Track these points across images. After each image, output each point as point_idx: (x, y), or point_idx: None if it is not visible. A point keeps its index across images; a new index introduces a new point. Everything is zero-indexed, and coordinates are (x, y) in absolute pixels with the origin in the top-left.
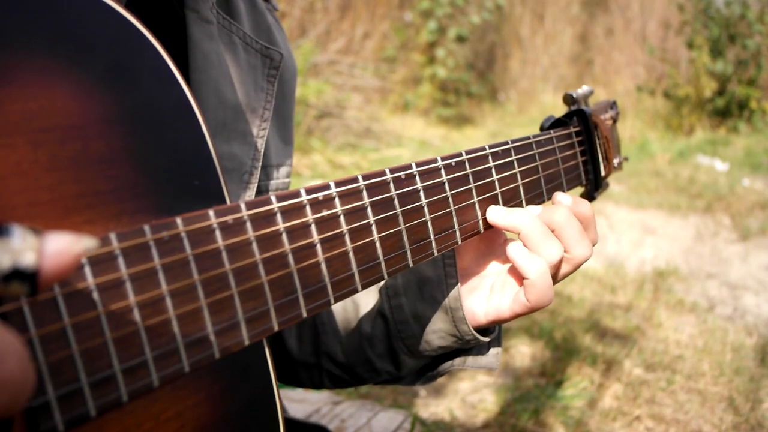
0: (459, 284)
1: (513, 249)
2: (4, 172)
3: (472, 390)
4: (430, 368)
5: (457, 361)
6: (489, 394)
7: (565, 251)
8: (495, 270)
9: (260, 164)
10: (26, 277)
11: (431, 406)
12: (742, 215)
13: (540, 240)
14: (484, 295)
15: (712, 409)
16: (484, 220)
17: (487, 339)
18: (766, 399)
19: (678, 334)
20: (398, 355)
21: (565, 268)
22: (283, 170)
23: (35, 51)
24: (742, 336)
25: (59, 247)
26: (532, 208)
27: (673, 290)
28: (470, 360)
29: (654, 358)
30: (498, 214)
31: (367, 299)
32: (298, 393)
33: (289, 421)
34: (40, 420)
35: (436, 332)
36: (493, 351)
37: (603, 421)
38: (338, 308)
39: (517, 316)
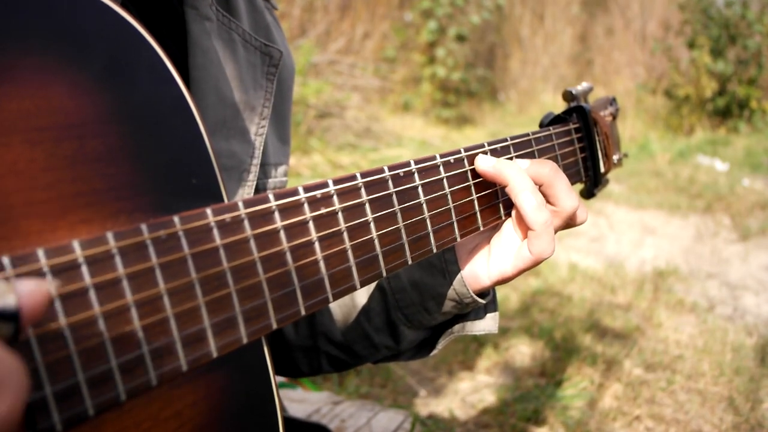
0: (454, 248)
1: (524, 199)
2: (1, 171)
3: (472, 390)
4: (429, 342)
5: (456, 327)
6: (489, 394)
7: (553, 204)
8: (490, 232)
9: (259, 162)
10: (10, 318)
11: (431, 406)
12: (742, 215)
13: (535, 190)
14: (483, 258)
15: (712, 409)
16: (483, 216)
17: (484, 301)
18: (766, 399)
19: (678, 334)
20: (397, 327)
21: (556, 222)
22: (281, 169)
23: (31, 49)
24: (742, 336)
25: (32, 287)
26: (520, 161)
27: (673, 290)
28: (468, 325)
29: (654, 358)
30: (486, 164)
31: None
32: (298, 393)
33: (290, 421)
34: (38, 419)
35: (435, 298)
36: (490, 315)
37: (603, 421)
38: None
39: (520, 272)
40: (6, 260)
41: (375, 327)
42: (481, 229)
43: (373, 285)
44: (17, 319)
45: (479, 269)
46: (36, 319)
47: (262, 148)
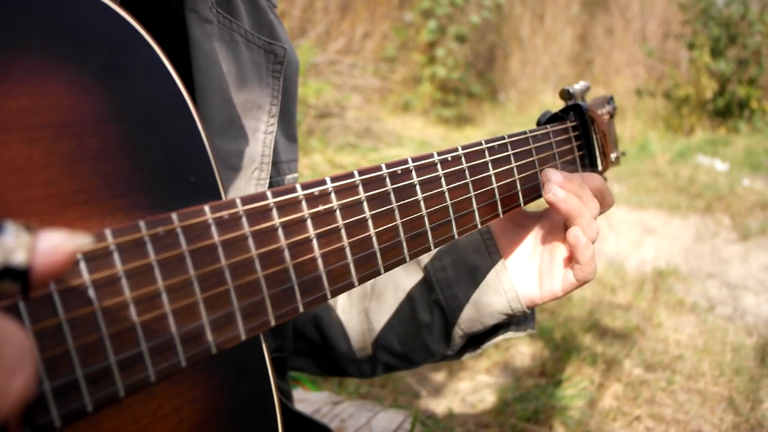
0: (507, 268)
1: (577, 238)
2: None
3: (472, 390)
4: (475, 342)
5: (508, 334)
6: (489, 394)
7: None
8: (534, 252)
9: (270, 160)
10: (17, 275)
11: (431, 406)
12: (742, 215)
13: (589, 224)
14: (534, 280)
15: (712, 409)
16: (481, 214)
17: (529, 311)
18: (766, 399)
19: (678, 334)
20: (454, 339)
21: None
22: (293, 166)
23: (30, 48)
24: (742, 336)
25: (52, 245)
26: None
27: (673, 290)
28: (513, 329)
29: (654, 358)
30: (560, 195)
31: (410, 281)
32: (298, 393)
33: (295, 415)
34: (37, 415)
35: (493, 314)
36: (530, 316)
37: (603, 421)
38: (391, 301)
39: (568, 293)
40: None
41: (435, 339)
42: (479, 226)
43: (430, 300)
44: (25, 278)
45: (529, 291)
46: (51, 278)
47: (273, 146)
